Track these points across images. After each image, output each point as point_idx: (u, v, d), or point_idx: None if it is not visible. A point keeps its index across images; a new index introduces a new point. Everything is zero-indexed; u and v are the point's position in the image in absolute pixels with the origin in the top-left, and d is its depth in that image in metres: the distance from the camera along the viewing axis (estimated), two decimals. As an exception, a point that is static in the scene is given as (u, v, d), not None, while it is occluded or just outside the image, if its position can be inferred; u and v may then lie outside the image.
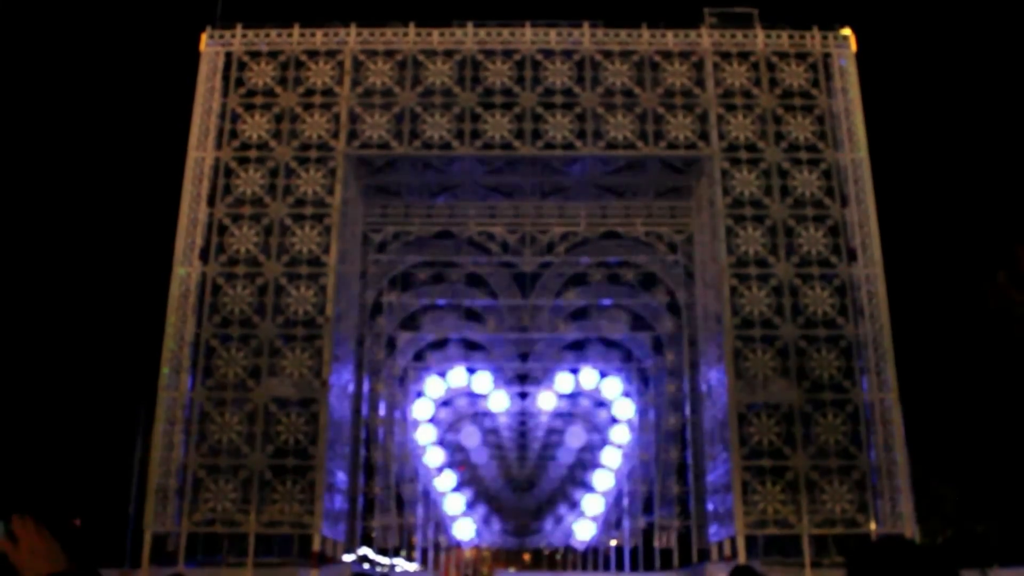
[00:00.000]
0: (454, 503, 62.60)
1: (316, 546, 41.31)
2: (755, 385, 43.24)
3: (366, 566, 53.87)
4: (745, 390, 43.09)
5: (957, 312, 54.53)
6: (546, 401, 59.76)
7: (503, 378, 58.28)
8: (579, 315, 56.24)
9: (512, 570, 71.74)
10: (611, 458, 61.12)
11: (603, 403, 60.81)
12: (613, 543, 61.60)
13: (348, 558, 49.93)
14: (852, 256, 44.47)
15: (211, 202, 44.90)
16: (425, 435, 59.11)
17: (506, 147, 45.87)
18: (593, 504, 63.54)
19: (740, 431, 42.42)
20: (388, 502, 54.19)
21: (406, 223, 53.46)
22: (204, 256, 44.24)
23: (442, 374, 58.45)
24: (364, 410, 53.48)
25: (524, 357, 56.93)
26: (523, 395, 60.05)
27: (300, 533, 41.81)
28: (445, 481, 60.46)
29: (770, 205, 44.95)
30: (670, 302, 54.47)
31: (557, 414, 62.17)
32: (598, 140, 45.85)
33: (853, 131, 45.85)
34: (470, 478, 68.71)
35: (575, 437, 62.91)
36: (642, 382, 58.56)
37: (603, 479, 61.86)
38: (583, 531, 66.03)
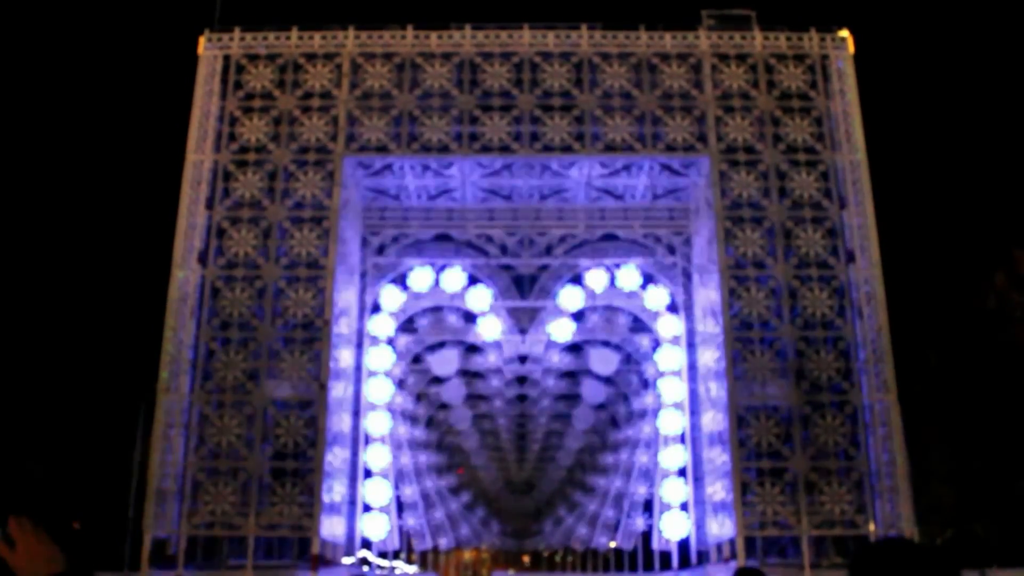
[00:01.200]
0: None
1: (315, 549, 41.35)
2: (754, 387, 43.30)
3: (365, 569, 53.83)
4: (744, 392, 43.15)
5: (955, 313, 54.58)
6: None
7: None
8: (577, 317, 56.19)
9: (511, 572, 71.74)
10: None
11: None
12: (612, 545, 61.59)
13: (347, 561, 49.90)
14: (850, 258, 44.55)
15: (210, 205, 44.96)
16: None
17: (504, 149, 45.95)
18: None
19: (739, 433, 42.49)
20: (388, 505, 54.13)
21: (405, 225, 53.47)
22: (203, 259, 44.29)
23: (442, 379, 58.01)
24: (363, 412, 53.42)
25: (523, 359, 56.94)
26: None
27: (299, 536, 41.86)
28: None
29: (768, 207, 45.01)
30: (669, 304, 54.43)
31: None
32: (596, 142, 45.93)
33: (851, 133, 45.93)
34: (469, 480, 68.75)
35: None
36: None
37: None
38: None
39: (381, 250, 53.56)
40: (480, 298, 52.82)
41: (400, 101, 46.16)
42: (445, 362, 57.10)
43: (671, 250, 53.37)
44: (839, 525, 41.51)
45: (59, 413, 55.36)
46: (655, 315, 54.07)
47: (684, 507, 51.33)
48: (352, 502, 50.68)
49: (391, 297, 53.04)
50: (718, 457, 45.69)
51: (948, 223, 60.66)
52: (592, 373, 58.68)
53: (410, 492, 57.53)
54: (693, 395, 52.20)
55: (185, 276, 44.02)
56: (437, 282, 52.61)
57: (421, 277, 52.30)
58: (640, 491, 57.38)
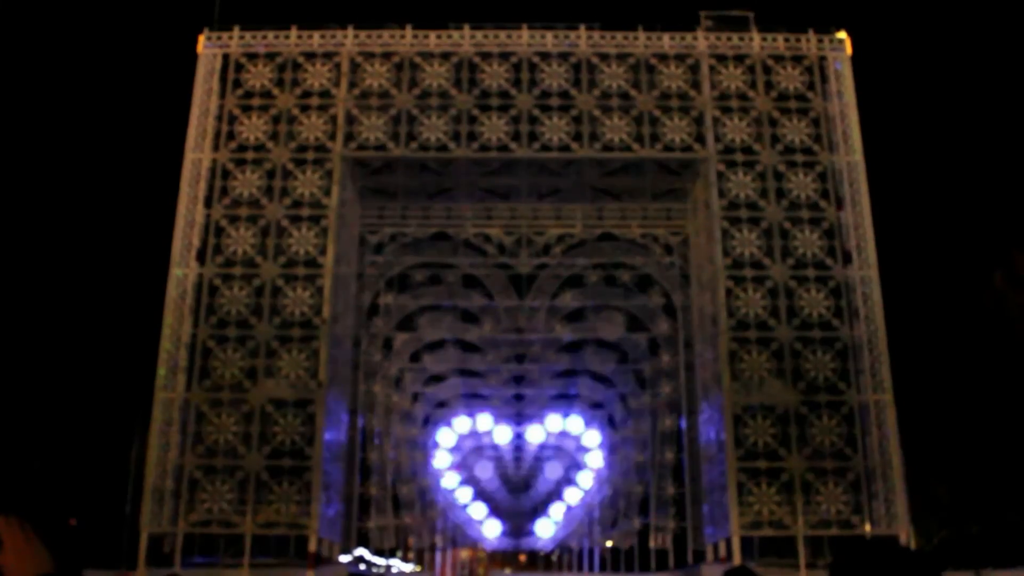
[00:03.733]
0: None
1: (312, 547, 41.38)
2: (751, 387, 43.33)
3: (362, 567, 53.89)
4: (741, 392, 43.19)
5: (952, 314, 54.60)
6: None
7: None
8: (575, 317, 56.30)
9: (508, 571, 71.72)
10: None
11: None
12: (609, 544, 61.66)
13: (344, 559, 49.95)
14: (847, 258, 44.60)
15: (208, 203, 44.98)
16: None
17: (503, 149, 45.98)
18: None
19: (735, 433, 42.53)
20: (384, 503, 54.24)
21: (403, 225, 53.50)
22: (201, 257, 44.31)
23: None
24: (360, 411, 53.51)
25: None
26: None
27: (296, 534, 41.89)
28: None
29: (766, 207, 45.06)
30: (666, 304, 54.55)
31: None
32: (594, 142, 45.94)
33: (848, 134, 45.99)
34: (467, 478, 68.79)
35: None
36: (637, 386, 58.70)
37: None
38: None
39: (379, 249, 53.60)
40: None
41: (399, 100, 46.19)
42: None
43: (668, 250, 53.43)
44: (835, 525, 41.55)
45: (57, 410, 55.38)
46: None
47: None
48: (349, 500, 50.73)
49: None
50: (714, 456, 45.73)
51: (946, 224, 60.62)
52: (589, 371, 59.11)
53: (407, 490, 57.57)
54: (690, 395, 52.30)
55: (183, 274, 44.04)
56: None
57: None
58: (637, 490, 57.44)
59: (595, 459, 65.47)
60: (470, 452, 64.78)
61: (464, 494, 66.72)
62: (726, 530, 42.64)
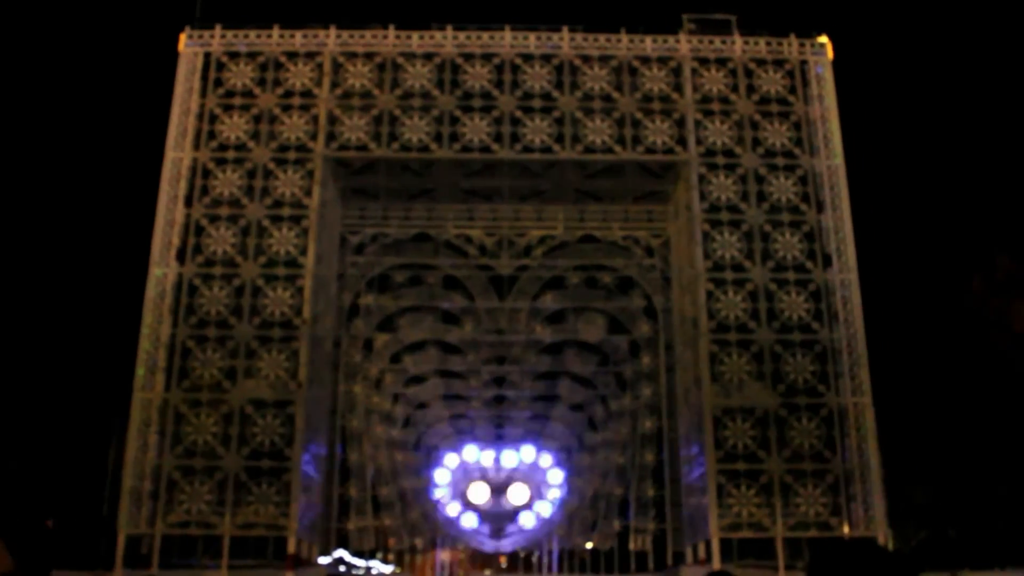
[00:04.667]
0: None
1: (291, 548, 41.22)
2: (730, 389, 43.49)
3: (342, 568, 53.70)
4: (721, 394, 43.34)
5: (932, 317, 54.89)
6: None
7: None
8: (556, 318, 56.30)
9: (487, 572, 71.63)
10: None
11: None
12: (589, 546, 61.67)
13: (324, 560, 49.75)
14: (827, 261, 44.86)
15: (188, 203, 44.79)
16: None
17: (484, 150, 45.99)
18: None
19: (715, 435, 42.66)
20: (364, 504, 54.07)
21: (384, 225, 53.40)
22: (181, 257, 44.12)
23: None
24: (340, 412, 53.34)
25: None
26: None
27: (275, 535, 41.72)
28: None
29: (747, 210, 45.24)
30: (647, 306, 54.63)
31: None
32: (576, 144, 46.01)
33: (829, 137, 46.25)
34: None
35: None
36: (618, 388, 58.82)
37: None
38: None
39: (360, 250, 53.46)
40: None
41: (381, 101, 46.11)
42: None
43: (650, 252, 53.55)
44: (814, 527, 41.74)
45: (34, 410, 54.92)
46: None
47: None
48: (329, 501, 50.54)
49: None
50: (694, 458, 45.84)
51: (926, 228, 60.96)
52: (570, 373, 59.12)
53: (387, 492, 57.40)
54: (671, 397, 52.41)
55: (163, 273, 43.81)
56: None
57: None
58: (617, 492, 57.48)
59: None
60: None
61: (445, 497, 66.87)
62: (705, 532, 42.76)
